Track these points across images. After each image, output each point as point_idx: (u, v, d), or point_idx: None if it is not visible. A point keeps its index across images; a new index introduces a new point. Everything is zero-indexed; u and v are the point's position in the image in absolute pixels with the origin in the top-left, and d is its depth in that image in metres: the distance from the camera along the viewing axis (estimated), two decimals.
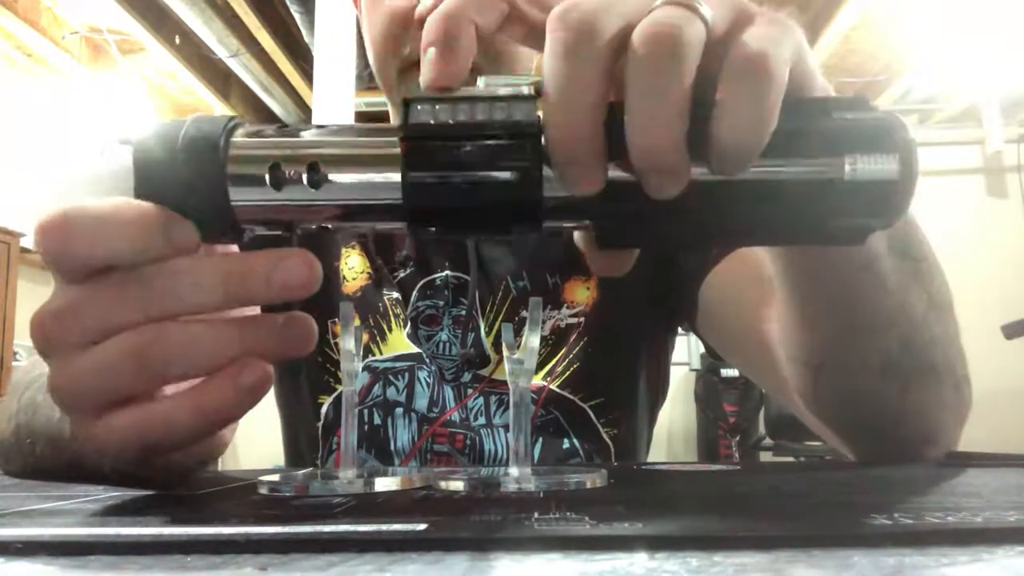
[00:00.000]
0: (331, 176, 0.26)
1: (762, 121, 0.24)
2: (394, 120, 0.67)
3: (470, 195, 0.25)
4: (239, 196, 0.26)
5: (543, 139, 0.25)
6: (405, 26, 0.56)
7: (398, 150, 0.25)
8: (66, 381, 0.27)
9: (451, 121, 0.25)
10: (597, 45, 0.24)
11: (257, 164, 0.26)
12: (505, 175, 0.25)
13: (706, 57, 0.24)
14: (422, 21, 0.54)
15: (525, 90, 0.25)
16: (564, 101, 0.24)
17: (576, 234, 0.29)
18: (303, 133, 0.27)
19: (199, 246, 0.27)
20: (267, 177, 0.26)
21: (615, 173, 0.25)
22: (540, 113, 0.25)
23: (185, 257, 0.27)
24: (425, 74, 0.26)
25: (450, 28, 0.27)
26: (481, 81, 0.26)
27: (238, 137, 0.27)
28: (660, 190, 0.24)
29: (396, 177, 0.25)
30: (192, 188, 0.26)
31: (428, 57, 0.26)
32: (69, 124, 3.27)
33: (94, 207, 0.26)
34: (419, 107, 0.25)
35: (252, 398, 0.27)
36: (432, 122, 0.25)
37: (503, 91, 0.25)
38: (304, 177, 0.26)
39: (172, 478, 0.32)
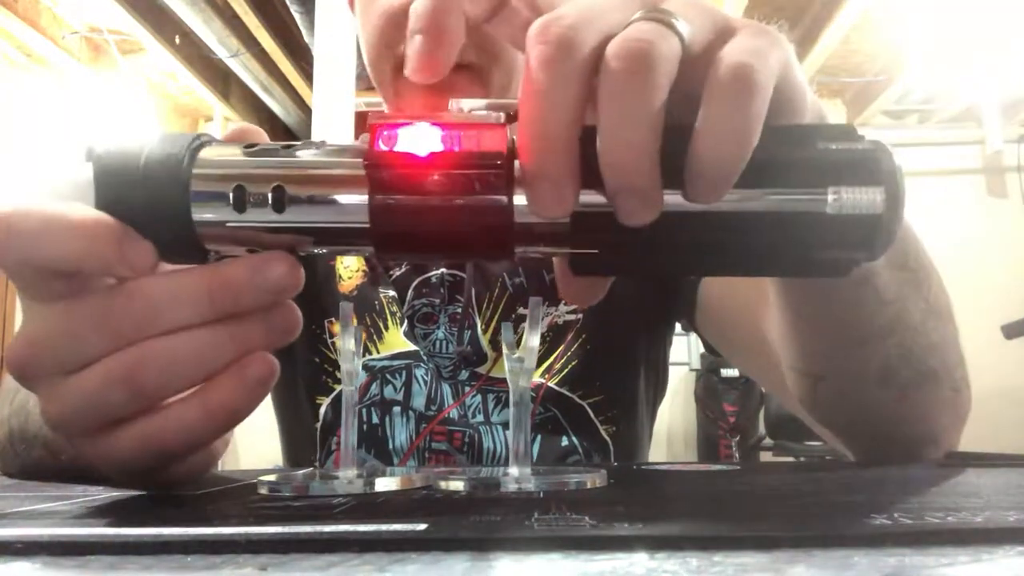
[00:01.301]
0: (296, 198, 0.25)
1: (744, 137, 0.23)
2: None
3: (437, 222, 0.24)
4: (202, 216, 0.25)
5: (515, 162, 0.24)
6: (399, 24, 0.56)
7: (365, 173, 0.24)
8: (57, 413, 0.26)
9: (418, 152, 0.24)
10: (575, 60, 0.23)
11: (221, 184, 0.25)
12: (473, 204, 0.24)
13: (684, 75, 0.23)
14: None
15: (495, 116, 0.25)
16: (540, 115, 0.23)
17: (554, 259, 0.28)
18: (271, 153, 0.26)
19: (156, 264, 0.26)
20: (231, 198, 0.25)
21: (590, 199, 0.24)
22: (510, 140, 0.24)
23: (164, 275, 0.26)
24: (410, 62, 0.25)
25: (439, 15, 0.25)
26: (454, 104, 0.26)
27: (203, 157, 0.26)
28: (632, 216, 0.23)
29: (363, 200, 0.25)
30: (154, 207, 0.25)
31: (414, 45, 0.25)
32: (69, 124, 3.27)
33: (42, 208, 0.25)
34: (386, 132, 0.24)
35: (261, 391, 0.27)
36: (398, 150, 0.24)
37: (476, 116, 0.25)
38: (269, 199, 0.25)
39: (172, 484, 0.31)
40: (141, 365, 0.25)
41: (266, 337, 0.27)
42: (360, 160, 0.25)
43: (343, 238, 0.26)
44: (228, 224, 0.25)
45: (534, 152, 0.23)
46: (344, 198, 0.25)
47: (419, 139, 0.24)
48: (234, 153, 0.26)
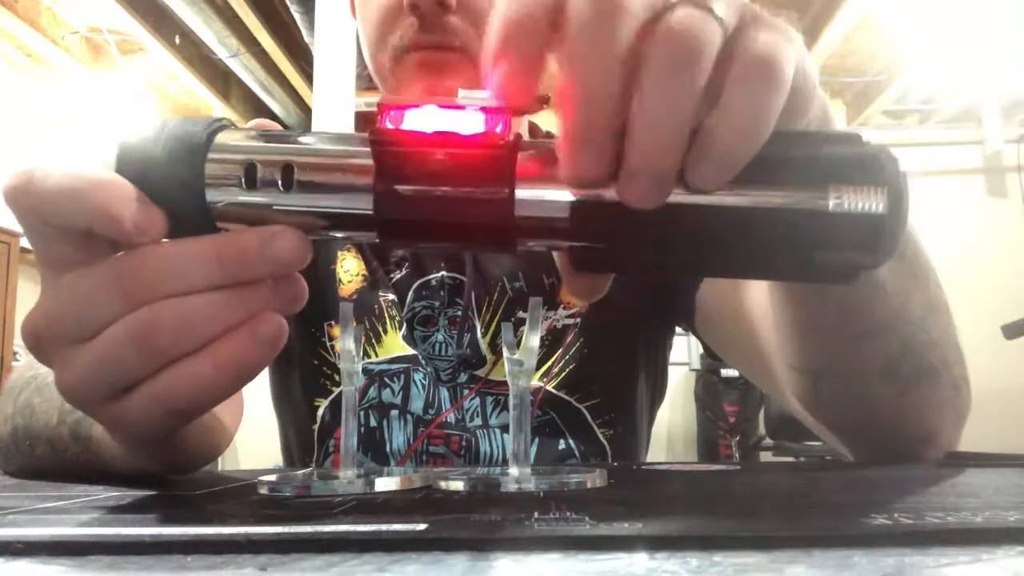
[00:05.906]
0: (304, 180, 0.26)
1: (760, 127, 0.23)
2: None
3: (440, 209, 0.25)
4: (215, 196, 0.26)
5: (518, 150, 0.24)
6: (397, 13, 0.57)
7: (372, 161, 0.25)
8: (72, 380, 0.27)
9: (425, 130, 0.25)
10: (617, 53, 0.23)
11: (235, 166, 0.26)
12: (476, 190, 0.25)
13: None
14: (414, 6, 0.54)
15: (500, 103, 0.25)
16: (582, 112, 0.23)
17: (555, 255, 0.29)
18: (287, 138, 0.27)
19: (164, 233, 0.27)
20: (242, 177, 0.26)
21: (595, 192, 0.24)
22: (515, 126, 0.25)
23: (176, 241, 0.27)
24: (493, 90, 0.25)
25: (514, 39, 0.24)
26: (463, 93, 0.26)
27: (220, 139, 0.27)
28: (642, 198, 0.24)
29: (368, 178, 0.25)
30: (170, 186, 0.26)
31: (496, 74, 0.24)
32: (69, 124, 3.27)
33: (62, 167, 0.26)
34: (392, 112, 0.25)
35: (271, 349, 0.27)
36: (404, 128, 0.25)
37: (481, 101, 0.25)
38: (278, 180, 0.26)
39: (177, 470, 0.31)
40: (154, 323, 0.26)
41: (273, 303, 0.28)
42: (366, 140, 0.25)
43: (348, 222, 0.27)
44: (239, 204, 0.26)
45: (575, 148, 0.23)
46: (351, 181, 0.26)
47: (424, 119, 0.25)
48: (251, 136, 0.27)
